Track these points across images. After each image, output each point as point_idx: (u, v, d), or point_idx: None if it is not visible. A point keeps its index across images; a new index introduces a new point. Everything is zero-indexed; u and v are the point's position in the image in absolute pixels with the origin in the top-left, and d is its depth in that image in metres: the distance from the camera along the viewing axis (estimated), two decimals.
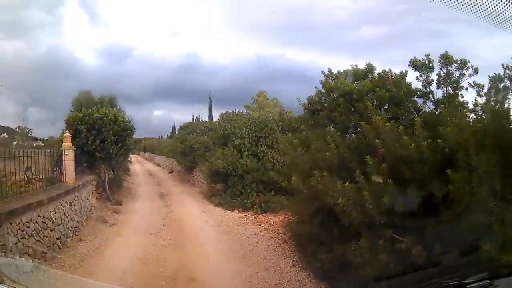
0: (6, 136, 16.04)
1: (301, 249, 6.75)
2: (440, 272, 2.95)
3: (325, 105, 6.78)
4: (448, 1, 2.00)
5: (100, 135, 11.75)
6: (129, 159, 41.89)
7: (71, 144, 10.42)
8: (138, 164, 39.98)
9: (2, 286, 1.29)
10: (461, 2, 1.98)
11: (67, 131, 10.67)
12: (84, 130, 11.47)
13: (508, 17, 2.04)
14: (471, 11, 2.00)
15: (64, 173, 9.77)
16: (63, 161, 9.85)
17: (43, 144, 15.38)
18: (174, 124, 52.68)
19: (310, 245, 5.93)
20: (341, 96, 6.22)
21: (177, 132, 24.93)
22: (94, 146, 11.53)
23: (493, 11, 2.00)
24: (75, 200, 9.12)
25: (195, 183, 19.63)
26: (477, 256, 2.55)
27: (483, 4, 1.96)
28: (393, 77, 5.85)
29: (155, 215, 11.45)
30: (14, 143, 15.95)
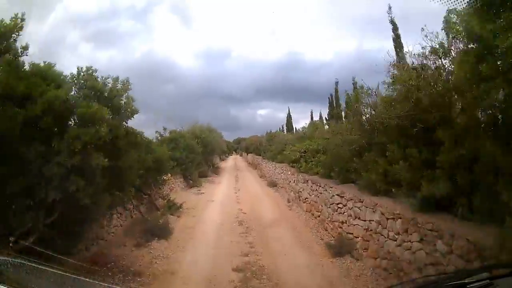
0: None
1: None
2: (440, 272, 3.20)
3: None
4: (447, 1, 2.08)
5: None
6: (215, 164, 24.50)
7: None
8: (229, 175, 21.45)
9: (2, 286, 1.18)
10: (461, 2, 2.06)
11: None
12: None
13: None
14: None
15: None
16: None
17: None
18: (289, 111, 33.23)
19: None
20: None
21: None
22: None
23: None
24: None
25: None
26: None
27: None
28: None
29: None
30: None
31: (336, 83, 22.30)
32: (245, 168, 29.19)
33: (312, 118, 25.65)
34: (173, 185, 13.23)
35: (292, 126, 32.86)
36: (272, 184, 15.70)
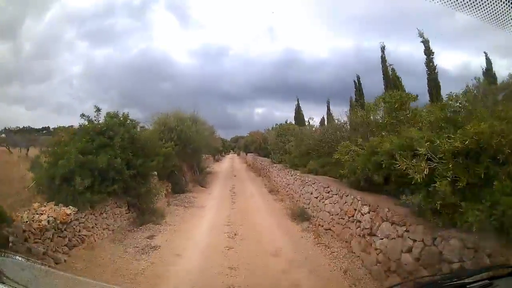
0: None
1: None
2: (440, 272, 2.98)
3: None
4: (448, 1, 2.00)
5: None
6: (206, 168, 21.29)
7: None
8: (222, 189, 13.25)
9: (2, 286, 1.19)
10: (461, 2, 1.97)
11: None
12: None
13: (508, 17, 1.94)
14: (471, 11, 1.95)
15: None
16: None
17: None
18: (298, 102, 30.19)
19: None
20: None
21: None
22: None
23: (492, 11, 1.92)
24: None
25: None
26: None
27: (483, 4, 1.90)
28: None
29: None
30: None
31: (383, 48, 15.44)
32: (245, 174, 21.62)
33: (328, 108, 23.46)
34: (91, 231, 5.74)
35: (303, 120, 26.55)
36: (300, 217, 8.21)
